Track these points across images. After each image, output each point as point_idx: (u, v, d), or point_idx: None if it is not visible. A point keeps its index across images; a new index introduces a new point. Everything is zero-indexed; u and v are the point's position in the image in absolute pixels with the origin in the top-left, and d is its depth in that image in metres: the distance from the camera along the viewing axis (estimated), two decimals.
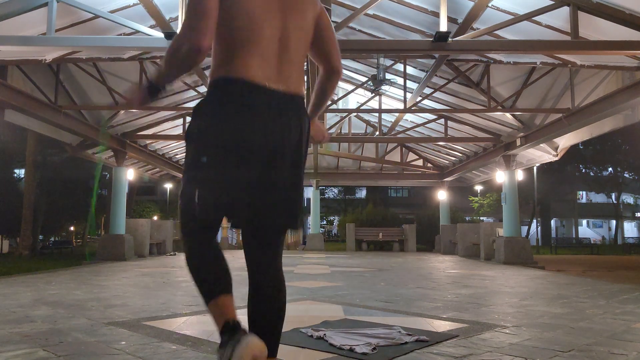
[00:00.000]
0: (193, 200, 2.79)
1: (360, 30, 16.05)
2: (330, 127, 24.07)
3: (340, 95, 23.28)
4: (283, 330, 3.13)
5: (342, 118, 25.10)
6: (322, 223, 79.34)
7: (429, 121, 23.21)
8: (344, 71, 21.50)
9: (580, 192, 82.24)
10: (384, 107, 22.14)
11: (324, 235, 37.91)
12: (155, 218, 57.29)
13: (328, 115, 24.60)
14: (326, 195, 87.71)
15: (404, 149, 31.29)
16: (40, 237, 50.50)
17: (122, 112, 19.67)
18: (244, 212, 2.90)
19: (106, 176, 53.57)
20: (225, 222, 3.16)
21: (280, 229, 3.09)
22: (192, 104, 20.91)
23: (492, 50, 12.79)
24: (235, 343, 2.54)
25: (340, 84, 23.40)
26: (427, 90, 18.71)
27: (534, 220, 58.66)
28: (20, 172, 53.39)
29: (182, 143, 25.26)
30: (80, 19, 12.24)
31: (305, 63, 4.35)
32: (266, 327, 2.94)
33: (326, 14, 3.19)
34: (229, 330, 2.67)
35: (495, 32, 12.11)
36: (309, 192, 45.95)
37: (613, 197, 70.40)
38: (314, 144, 3.75)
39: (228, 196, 2.81)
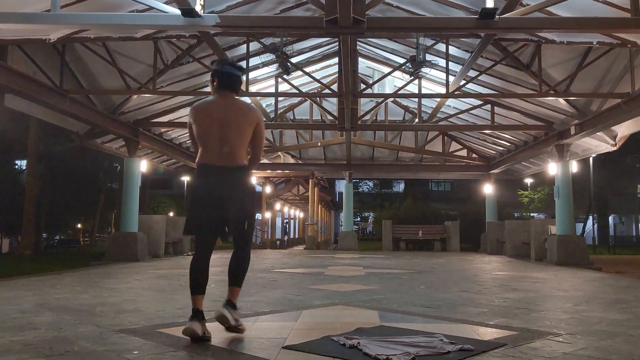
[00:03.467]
0: (189, 225, 6.20)
1: (397, 7, 16.01)
2: (365, 114, 24.06)
3: (375, 79, 23.23)
4: (313, 338, 5.94)
5: (378, 104, 25.10)
6: (356, 220, 79.39)
7: (474, 107, 23.08)
8: (380, 51, 21.54)
9: None
10: (424, 91, 22.03)
11: (357, 234, 37.82)
12: (171, 214, 57.38)
13: (362, 100, 24.58)
14: (360, 189, 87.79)
15: (446, 137, 31.17)
16: (44, 235, 50.55)
17: (135, 97, 19.57)
18: (214, 228, 6.18)
19: (117, 168, 53.47)
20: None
21: (235, 232, 6.23)
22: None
23: (543, 29, 12.69)
24: (189, 322, 5.74)
25: (376, 65, 23.41)
26: (472, 73, 18.61)
27: (590, 217, 58.21)
28: (21, 164, 53.28)
29: None
30: None
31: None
32: (235, 275, 6.18)
33: (261, 126, 6.35)
34: (194, 312, 5.83)
35: (547, 8, 12.01)
36: (342, 186, 45.88)
37: None
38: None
39: (202, 220, 6.10)
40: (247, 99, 18.92)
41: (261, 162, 6.66)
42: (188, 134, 6.68)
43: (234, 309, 6.05)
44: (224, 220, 6.14)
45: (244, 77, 7.23)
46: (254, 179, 36.22)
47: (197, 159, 6.28)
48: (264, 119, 6.77)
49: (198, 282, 6.02)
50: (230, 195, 6.07)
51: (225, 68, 6.48)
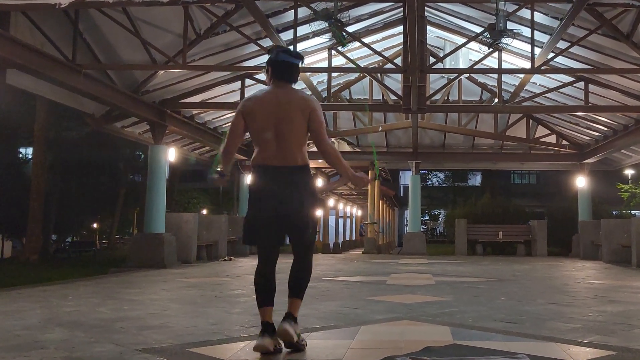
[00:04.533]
0: (246, 233, 6.59)
1: None
2: (435, 93, 23.90)
3: (447, 51, 23.12)
4: (373, 359, 5.98)
5: (450, 81, 24.90)
6: (424, 219, 79.25)
7: (564, 85, 22.81)
8: (452, 18, 21.41)
9: None
10: (504, 66, 21.85)
11: (425, 235, 37.75)
12: (204, 212, 57.61)
13: (431, 77, 24.47)
14: (429, 182, 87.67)
15: (531, 121, 30.84)
16: (53, 237, 50.49)
17: (161, 72, 19.43)
18: (273, 235, 6.46)
19: (140, 157, 53.36)
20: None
21: (295, 242, 6.57)
22: (254, 62, 20.95)
23: None
24: (259, 338, 6.12)
25: (448, 35, 23.32)
26: (562, 45, 18.46)
27: None
28: (27, 152, 53.20)
29: None
30: None
31: None
32: (295, 286, 6.44)
33: (315, 114, 6.48)
34: (263, 325, 6.19)
35: None
36: (407, 179, 45.70)
37: None
38: (362, 187, 7.90)
39: (260, 227, 6.47)
40: None
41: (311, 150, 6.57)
42: (230, 128, 6.87)
43: (295, 322, 6.29)
44: (283, 225, 6.44)
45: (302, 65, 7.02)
46: None
47: (253, 158, 6.57)
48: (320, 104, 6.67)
49: (264, 293, 6.40)
50: (290, 198, 6.35)
51: (280, 56, 6.71)
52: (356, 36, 20.18)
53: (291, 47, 16.87)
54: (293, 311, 6.31)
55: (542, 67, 18.80)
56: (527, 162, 34.87)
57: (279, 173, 6.41)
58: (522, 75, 21.39)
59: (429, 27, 21.68)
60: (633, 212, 51.18)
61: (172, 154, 23.52)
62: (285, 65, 6.69)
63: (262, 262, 6.52)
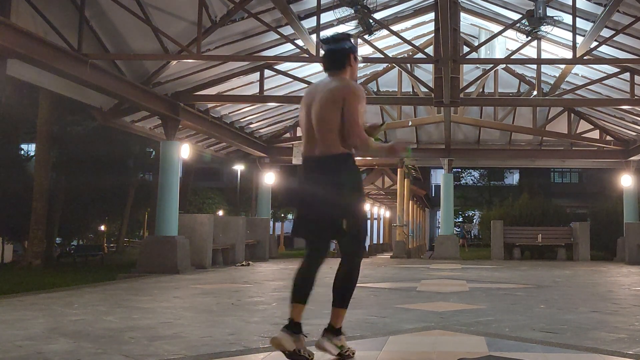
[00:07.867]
0: (292, 227, 6.78)
1: None
2: (469, 85, 23.82)
3: (482, 40, 23.06)
4: None
5: (486, 72, 24.82)
6: (457, 220, 79.01)
7: (608, 76, 22.69)
8: (488, 4, 21.37)
9: None
10: (544, 56, 21.84)
11: (459, 238, 37.66)
12: (220, 213, 57.52)
13: (465, 67, 24.42)
14: (462, 181, 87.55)
15: (572, 115, 30.73)
16: (57, 240, 50.20)
17: (174, 63, 19.29)
18: (313, 229, 6.45)
19: (151, 154, 53.18)
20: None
21: (335, 236, 6.54)
22: (273, 52, 20.92)
23: None
24: (280, 330, 6.04)
25: (483, 23, 23.26)
26: (606, 33, 18.38)
27: None
28: (29, 149, 53.04)
29: (258, 108, 25.35)
30: None
31: None
32: (335, 293, 6.43)
33: (347, 104, 6.28)
34: (289, 322, 6.09)
35: None
36: (439, 177, 45.60)
37: None
38: (401, 155, 6.98)
39: (299, 221, 6.64)
40: (316, 66, 18.94)
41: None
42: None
43: (336, 335, 6.39)
44: (317, 220, 6.36)
45: (349, 45, 6.91)
46: None
47: None
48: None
49: (295, 289, 6.32)
50: (319, 189, 6.32)
51: (323, 47, 6.87)
52: (384, 24, 20.17)
53: (334, 32, 16.90)
54: (334, 322, 6.38)
55: (585, 57, 18.73)
56: (569, 160, 34.78)
57: (309, 165, 6.50)
58: (563, 66, 21.33)
59: (462, 14, 21.62)
60: None
61: (185, 151, 23.32)
62: (325, 55, 6.82)
63: (304, 258, 6.49)
